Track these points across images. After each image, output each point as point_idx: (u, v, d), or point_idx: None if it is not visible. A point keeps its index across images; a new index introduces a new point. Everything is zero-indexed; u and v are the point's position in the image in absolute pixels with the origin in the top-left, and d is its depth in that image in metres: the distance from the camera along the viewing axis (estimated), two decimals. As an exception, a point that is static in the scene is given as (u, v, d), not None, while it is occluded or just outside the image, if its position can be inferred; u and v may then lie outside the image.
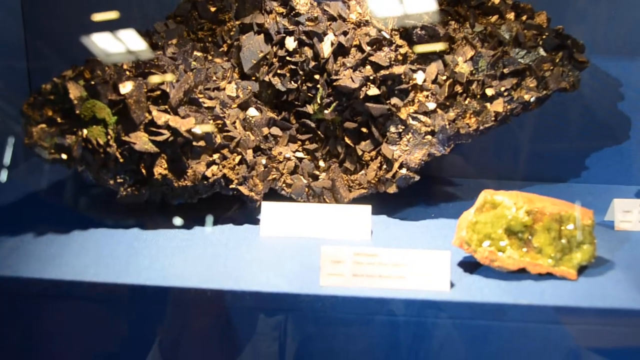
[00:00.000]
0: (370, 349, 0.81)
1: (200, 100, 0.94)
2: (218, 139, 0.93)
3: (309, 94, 0.99)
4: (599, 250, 0.86)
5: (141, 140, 0.90)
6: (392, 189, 0.96)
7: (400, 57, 0.97)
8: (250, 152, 0.95)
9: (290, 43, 0.98)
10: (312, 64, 0.97)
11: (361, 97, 0.96)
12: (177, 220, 0.94)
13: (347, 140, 1.00)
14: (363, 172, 0.99)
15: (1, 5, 1.16)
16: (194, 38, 1.01)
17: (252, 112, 0.99)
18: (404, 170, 0.95)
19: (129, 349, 0.84)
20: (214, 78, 0.99)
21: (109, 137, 0.89)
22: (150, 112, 0.90)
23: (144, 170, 0.91)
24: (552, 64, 0.97)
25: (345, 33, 0.96)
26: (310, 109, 0.99)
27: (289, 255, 0.87)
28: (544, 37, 0.97)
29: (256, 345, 0.83)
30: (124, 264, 0.84)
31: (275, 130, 1.00)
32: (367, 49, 0.96)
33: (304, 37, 0.97)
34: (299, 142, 1.01)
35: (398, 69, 0.96)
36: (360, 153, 0.99)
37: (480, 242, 0.82)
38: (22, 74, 1.20)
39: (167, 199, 0.94)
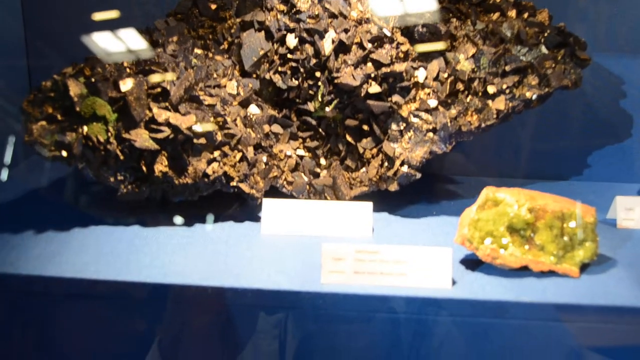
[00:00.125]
0: (372, 346, 0.81)
1: (201, 97, 0.94)
2: (219, 137, 0.93)
3: (310, 92, 0.99)
4: (601, 248, 0.85)
5: (142, 138, 0.89)
6: (394, 187, 0.96)
7: (401, 55, 0.96)
8: (251, 149, 0.95)
9: (291, 40, 0.98)
10: (313, 61, 0.97)
11: (362, 94, 0.96)
12: (178, 219, 0.94)
13: (348, 137, 0.99)
14: (364, 169, 0.99)
15: (1, 5, 1.16)
16: (194, 35, 1.01)
17: (252, 109, 0.98)
18: (405, 168, 0.95)
19: (130, 347, 0.84)
20: (215, 76, 0.99)
21: (109, 134, 0.88)
22: (150, 110, 0.90)
23: (144, 168, 0.90)
24: (553, 61, 0.97)
25: (346, 30, 0.96)
26: (311, 106, 0.99)
27: (290, 253, 0.86)
28: (545, 34, 0.97)
29: (257, 343, 0.82)
30: (124, 261, 0.83)
31: (276, 128, 1.00)
32: (369, 46, 0.95)
33: (304, 35, 0.97)
34: (300, 140, 1.01)
35: (399, 67, 0.95)
36: (361, 151, 0.99)
37: (482, 239, 0.82)
38: (22, 73, 1.20)
39: (167, 197, 0.94)
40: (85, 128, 0.88)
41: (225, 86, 0.98)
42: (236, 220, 0.95)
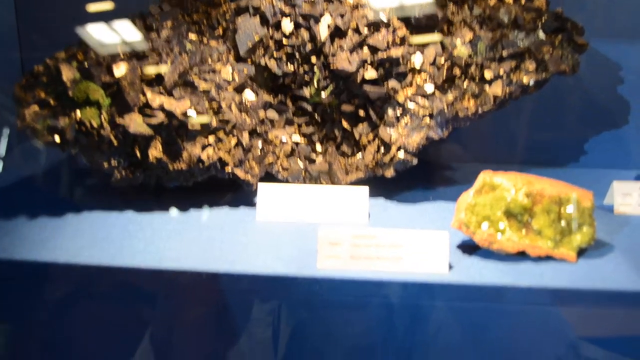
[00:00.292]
0: (368, 331, 0.80)
1: (195, 82, 0.93)
2: (214, 122, 0.92)
3: (306, 77, 0.98)
4: (598, 233, 0.85)
5: (135, 123, 0.88)
6: (390, 173, 0.95)
7: (398, 40, 0.96)
8: (246, 135, 0.94)
9: (287, 25, 0.97)
10: (309, 46, 0.96)
11: (358, 80, 0.95)
12: (173, 205, 0.93)
13: (344, 123, 0.99)
14: (360, 155, 0.98)
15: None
16: (188, 21, 1.00)
17: (248, 95, 0.98)
18: (401, 154, 0.94)
19: (124, 332, 0.83)
20: (209, 61, 0.98)
21: (102, 119, 0.88)
22: (144, 94, 0.89)
23: (138, 153, 0.90)
24: (551, 46, 0.96)
25: (342, 15, 0.95)
26: (306, 92, 0.98)
27: (285, 239, 0.86)
28: (543, 19, 0.96)
29: (253, 328, 0.82)
30: (118, 247, 0.83)
31: (272, 114, 0.99)
32: (365, 31, 0.95)
33: (300, 20, 0.96)
34: (296, 126, 1.00)
35: (396, 52, 0.94)
36: (357, 136, 0.98)
37: (479, 224, 0.81)
38: (15, 65, 1.19)
39: (162, 182, 0.93)
40: (78, 113, 0.87)
41: (220, 71, 0.97)
42: (231, 206, 0.95)
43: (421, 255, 0.78)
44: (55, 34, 1.12)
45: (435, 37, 0.96)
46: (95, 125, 0.87)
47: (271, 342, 0.82)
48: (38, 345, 0.84)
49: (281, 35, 0.97)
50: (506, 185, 0.83)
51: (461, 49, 0.95)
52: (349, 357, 0.82)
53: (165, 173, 0.91)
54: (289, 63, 0.98)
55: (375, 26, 0.95)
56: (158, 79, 0.91)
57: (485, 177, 0.84)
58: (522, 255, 0.81)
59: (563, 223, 0.82)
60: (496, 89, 0.94)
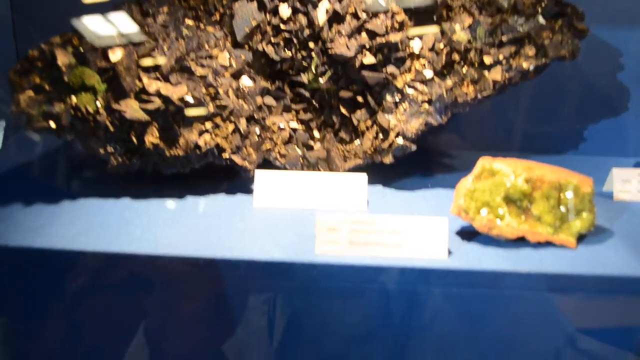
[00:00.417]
0: (367, 317, 0.80)
1: (192, 68, 0.92)
2: (211, 108, 0.91)
3: (304, 63, 0.97)
4: (597, 219, 0.84)
5: (132, 109, 0.88)
6: (388, 159, 0.94)
7: (396, 25, 0.95)
8: (243, 121, 0.94)
9: (284, 10, 0.96)
10: (307, 32, 0.95)
11: (357, 65, 0.94)
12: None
13: (342, 109, 0.98)
14: (358, 141, 0.98)
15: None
16: (185, 6, 0.99)
17: (245, 81, 0.97)
18: (400, 140, 0.93)
19: (121, 318, 0.82)
20: (206, 47, 0.97)
21: (98, 105, 0.87)
22: (141, 80, 0.88)
23: (134, 139, 0.89)
24: (551, 32, 0.95)
25: (340, 0, 0.94)
26: (304, 78, 0.97)
27: (283, 225, 0.85)
28: (543, 4, 0.95)
29: (250, 314, 0.81)
30: (114, 234, 0.82)
31: (269, 100, 0.98)
32: (363, 16, 0.94)
33: (298, 5, 0.95)
34: (294, 112, 0.99)
35: (394, 37, 0.94)
36: (355, 122, 0.97)
37: (478, 209, 0.81)
38: (10, 57, 1.17)
39: (158, 169, 0.92)
40: (73, 98, 0.86)
41: (217, 57, 0.96)
42: (228, 193, 0.94)
43: (420, 241, 0.78)
44: (51, 22, 1.11)
45: (434, 22, 0.95)
46: (91, 110, 0.86)
47: (269, 328, 0.82)
48: (34, 331, 0.83)
49: (279, 20, 0.96)
50: (506, 171, 0.82)
51: (460, 34, 0.94)
52: (347, 342, 0.82)
53: (162, 159, 0.91)
54: (286, 49, 0.97)
55: (373, 11, 0.94)
56: (154, 65, 0.89)
57: (484, 163, 0.83)
58: (521, 241, 0.81)
59: (563, 209, 0.82)
60: (495, 75, 0.94)
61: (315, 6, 0.94)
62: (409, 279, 0.76)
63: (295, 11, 0.95)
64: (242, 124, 0.93)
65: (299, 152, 0.97)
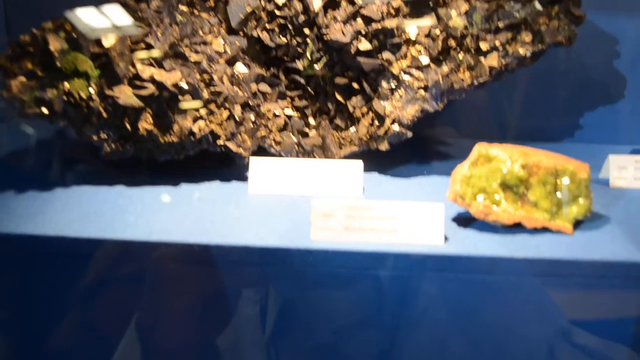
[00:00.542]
0: (362, 302, 0.79)
1: (187, 54, 0.91)
2: (205, 94, 0.90)
3: (299, 49, 0.96)
4: (594, 206, 0.84)
5: (125, 95, 0.87)
6: (384, 146, 0.94)
7: (392, 11, 0.94)
8: (238, 108, 0.93)
9: (279, -4, 0.95)
10: (302, 18, 0.94)
11: (352, 51, 0.93)
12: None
13: (337, 96, 0.97)
14: (354, 128, 0.97)
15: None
16: (179, -8, 0.98)
17: (240, 68, 0.96)
18: (396, 127, 0.93)
19: (114, 305, 0.82)
20: (201, 33, 0.96)
21: (91, 91, 0.86)
22: (134, 66, 0.87)
23: (128, 126, 0.88)
24: (547, 17, 0.95)
25: (335, -15, 0.93)
26: (299, 64, 0.97)
27: (278, 212, 0.84)
28: (539, -10, 0.95)
29: (246, 300, 0.81)
30: (109, 220, 0.81)
31: (264, 87, 0.97)
32: (359, 1, 0.93)
33: (293, -10, 0.94)
34: (289, 99, 0.99)
35: (390, 23, 0.93)
36: (351, 109, 0.97)
37: (475, 195, 0.80)
38: (2, 42, 1.16)
39: (153, 156, 0.91)
40: (66, 84, 0.85)
41: (211, 43, 0.95)
42: (223, 180, 0.93)
43: (416, 227, 0.77)
44: (43, 8, 1.10)
45: (430, 8, 0.94)
46: (84, 97, 0.85)
47: (265, 314, 0.81)
48: (27, 318, 0.83)
49: (274, 6, 0.95)
50: (502, 157, 0.82)
51: (457, 20, 0.93)
52: (342, 328, 0.81)
53: (156, 146, 0.90)
54: (281, 35, 0.96)
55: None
56: (148, 50, 0.89)
57: (480, 149, 0.83)
58: (518, 227, 0.81)
59: (559, 195, 0.81)
60: (492, 61, 0.93)
61: (310, -8, 0.94)
62: (405, 264, 0.76)
63: (290, -3, 0.95)
64: (237, 110, 0.92)
65: (294, 139, 0.96)
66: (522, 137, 1.14)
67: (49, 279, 0.80)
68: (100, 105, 0.86)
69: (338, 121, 0.98)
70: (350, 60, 0.94)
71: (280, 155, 0.95)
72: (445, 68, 0.93)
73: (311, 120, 0.99)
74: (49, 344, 0.83)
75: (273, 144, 0.96)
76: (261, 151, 0.94)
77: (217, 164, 0.96)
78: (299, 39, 0.95)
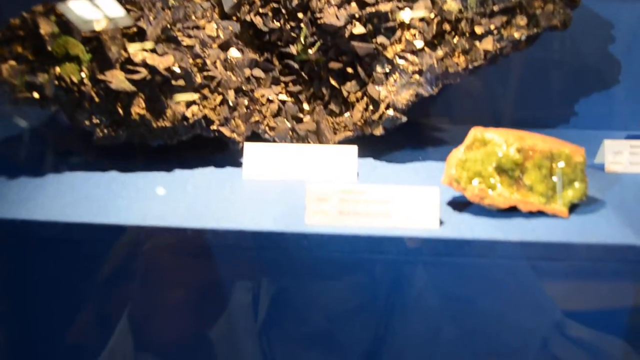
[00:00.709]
0: (357, 286, 0.79)
1: (179, 38, 0.90)
2: (198, 78, 0.89)
3: (292, 34, 0.95)
4: (589, 190, 0.84)
5: (117, 79, 0.86)
6: (379, 131, 0.93)
7: (386, -5, 0.93)
8: (231, 93, 0.92)
9: (273, -20, 0.94)
10: (295, 1, 0.93)
11: (346, 35, 0.93)
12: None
13: (332, 81, 0.96)
14: (348, 113, 0.96)
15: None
16: (171, -24, 0.97)
17: (233, 53, 0.95)
18: (390, 111, 0.92)
19: (108, 289, 0.81)
20: (193, 18, 0.95)
21: (83, 75, 0.85)
22: (126, 50, 0.86)
23: (120, 110, 0.87)
24: (542, 1, 0.94)
25: (329, -31, 0.92)
26: (293, 49, 0.96)
27: (273, 197, 0.84)
28: (534, -26, 0.94)
29: (241, 283, 0.80)
30: (102, 206, 0.80)
31: (258, 72, 0.97)
32: (353, -15, 0.92)
33: (286, -26, 0.93)
34: (282, 84, 0.98)
35: (384, 6, 0.92)
36: (345, 94, 0.96)
37: (470, 179, 0.80)
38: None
39: (145, 141, 0.90)
40: (57, 68, 0.84)
41: (204, 28, 0.94)
42: (217, 165, 0.93)
43: (411, 211, 0.77)
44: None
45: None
46: (75, 81, 0.84)
47: (260, 297, 0.81)
48: (18, 303, 0.82)
49: (267, -10, 0.94)
50: (497, 141, 0.81)
51: (451, 4, 0.93)
52: (337, 312, 0.81)
53: (149, 131, 0.89)
54: (275, 19, 0.95)
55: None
56: (140, 34, 0.88)
57: (476, 132, 0.82)
58: (513, 211, 0.80)
59: (555, 178, 0.81)
60: (487, 45, 0.93)
61: (304, -25, 0.93)
62: (400, 248, 0.76)
63: (283, -19, 0.94)
64: (231, 95, 0.92)
65: (288, 124, 0.96)
66: (517, 124, 1.13)
67: (40, 264, 0.80)
68: (92, 89, 0.85)
69: (332, 106, 0.97)
70: (345, 44, 0.94)
71: (274, 141, 0.95)
72: (440, 52, 0.93)
73: (305, 106, 0.98)
74: (41, 330, 0.82)
75: (267, 129, 0.95)
76: (255, 137, 0.94)
77: (211, 149, 0.96)
78: (292, 23, 0.95)
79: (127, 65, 0.86)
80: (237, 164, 0.92)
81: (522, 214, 0.80)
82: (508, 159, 0.80)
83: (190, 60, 0.90)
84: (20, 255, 0.80)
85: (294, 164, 0.89)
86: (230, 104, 0.91)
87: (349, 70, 0.95)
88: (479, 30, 0.93)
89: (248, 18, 0.95)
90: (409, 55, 0.92)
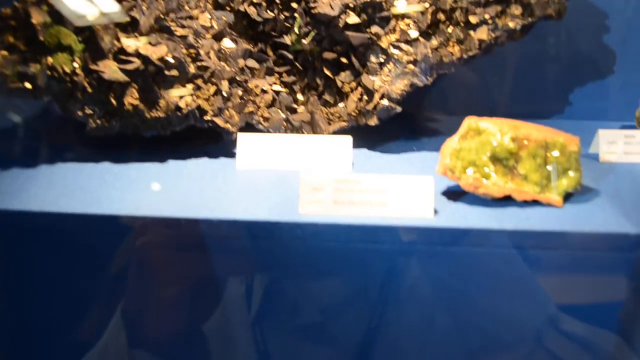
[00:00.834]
0: (353, 276, 0.79)
1: (172, 28, 0.90)
2: (192, 69, 0.89)
3: (286, 24, 0.95)
4: (584, 180, 0.83)
5: (110, 69, 0.85)
6: (373, 121, 0.93)
7: (381, -16, 0.93)
8: (225, 83, 0.91)
9: (266, -30, 0.94)
10: (289, -9, 0.93)
11: (340, 25, 0.92)
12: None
13: (326, 71, 0.96)
14: (343, 104, 0.96)
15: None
16: (164, -34, 0.96)
17: (227, 43, 0.94)
18: (385, 101, 0.92)
19: (101, 280, 0.81)
20: (186, 8, 0.94)
21: (75, 65, 0.84)
22: (119, 40, 0.86)
23: (113, 101, 0.86)
24: (537, -10, 0.94)
25: (323, -42, 0.92)
26: (287, 39, 0.95)
27: (267, 187, 0.84)
28: (529, -37, 0.94)
29: (235, 273, 0.80)
30: (95, 196, 0.80)
31: (252, 63, 0.96)
32: (347, -25, 0.92)
33: (280, -36, 0.93)
34: (276, 75, 0.97)
35: (379, -4, 0.92)
36: (339, 84, 0.96)
37: (465, 169, 0.80)
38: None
39: (139, 131, 0.90)
40: (49, 59, 0.84)
41: (197, 18, 0.94)
42: (210, 156, 0.92)
43: (406, 200, 0.76)
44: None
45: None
46: (68, 71, 0.84)
47: (254, 287, 0.81)
48: (11, 293, 0.82)
49: (260, -20, 0.94)
50: (492, 130, 0.81)
51: (446, -6, 0.92)
52: (332, 301, 0.81)
53: (142, 121, 0.88)
54: (269, 9, 0.95)
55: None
56: (133, 24, 0.87)
57: (470, 122, 0.82)
58: (508, 200, 0.80)
59: (549, 167, 0.81)
60: (481, 34, 0.92)
61: (297, -35, 0.92)
62: (395, 237, 0.75)
63: (277, -30, 0.93)
64: (224, 86, 0.91)
65: (283, 115, 0.95)
66: (511, 114, 1.13)
67: (34, 255, 0.79)
68: (84, 80, 0.85)
69: (327, 97, 0.97)
70: (339, 34, 0.93)
71: (268, 132, 0.94)
72: (434, 42, 0.92)
73: (299, 96, 0.97)
74: (33, 320, 0.82)
75: (261, 120, 0.94)
76: (249, 127, 0.93)
77: (205, 140, 0.95)
78: (286, 13, 0.94)
79: (120, 55, 0.86)
80: (231, 154, 0.92)
81: (516, 203, 0.80)
82: (502, 148, 0.80)
83: (184, 51, 0.89)
84: (14, 246, 0.79)
85: (289, 154, 0.89)
86: (224, 94, 0.91)
87: (343, 60, 0.95)
88: (473, 19, 0.93)
89: (242, 8, 0.95)
90: (403, 45, 0.92)
